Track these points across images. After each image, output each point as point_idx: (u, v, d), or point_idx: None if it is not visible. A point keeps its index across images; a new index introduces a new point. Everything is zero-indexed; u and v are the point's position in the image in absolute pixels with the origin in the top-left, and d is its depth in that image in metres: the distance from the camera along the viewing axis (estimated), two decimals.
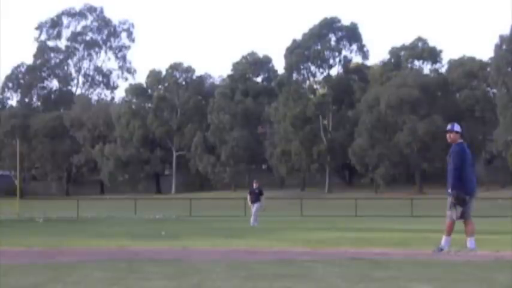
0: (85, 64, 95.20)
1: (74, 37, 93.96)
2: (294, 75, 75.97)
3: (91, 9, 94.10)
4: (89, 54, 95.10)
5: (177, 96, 79.14)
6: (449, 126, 11.33)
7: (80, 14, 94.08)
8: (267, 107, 75.86)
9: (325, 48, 75.03)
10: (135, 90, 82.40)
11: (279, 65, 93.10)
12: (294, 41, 75.52)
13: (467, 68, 71.63)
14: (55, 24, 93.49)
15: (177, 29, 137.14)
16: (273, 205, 46.89)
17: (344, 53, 76.15)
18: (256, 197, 27.02)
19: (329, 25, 75.68)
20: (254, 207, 26.83)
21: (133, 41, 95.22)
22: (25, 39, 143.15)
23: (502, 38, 66.79)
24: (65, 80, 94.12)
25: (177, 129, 79.06)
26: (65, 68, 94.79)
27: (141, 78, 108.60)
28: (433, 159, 67.88)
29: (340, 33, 75.73)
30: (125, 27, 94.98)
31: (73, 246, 13.14)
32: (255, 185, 27.84)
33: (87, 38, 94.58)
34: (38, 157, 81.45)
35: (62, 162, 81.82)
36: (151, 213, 38.87)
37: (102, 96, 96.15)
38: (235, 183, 75.06)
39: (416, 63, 75.95)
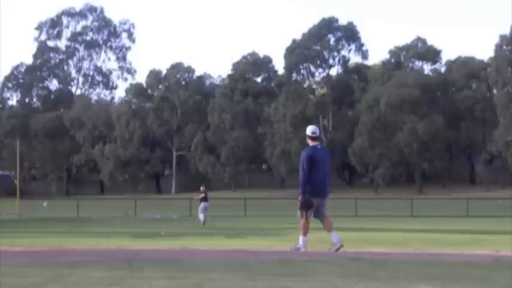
0: (85, 64, 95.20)
1: (74, 37, 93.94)
2: (294, 75, 76.04)
3: (91, 9, 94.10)
4: (89, 55, 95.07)
5: (177, 96, 79.15)
6: None
7: (80, 14, 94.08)
8: (267, 107, 75.84)
9: (325, 48, 75.09)
10: (135, 90, 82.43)
11: (279, 65, 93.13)
12: (294, 41, 75.58)
13: (468, 68, 71.66)
14: (55, 24, 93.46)
15: (177, 29, 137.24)
16: (273, 205, 46.88)
17: (343, 52, 76.29)
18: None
19: (327, 25, 75.76)
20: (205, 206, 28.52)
21: (133, 41, 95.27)
22: (25, 39, 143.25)
23: (502, 37, 66.82)
24: (65, 80, 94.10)
25: (177, 129, 79.07)
26: (65, 68, 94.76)
27: (141, 78, 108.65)
28: (433, 159, 67.95)
29: (338, 33, 75.85)
30: (126, 27, 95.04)
31: (73, 246, 13.13)
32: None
33: (88, 38, 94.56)
34: (38, 157, 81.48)
35: (62, 162, 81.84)
36: (152, 213, 38.85)
37: (102, 96, 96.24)
38: (235, 183, 75.07)
39: (417, 63, 75.99)
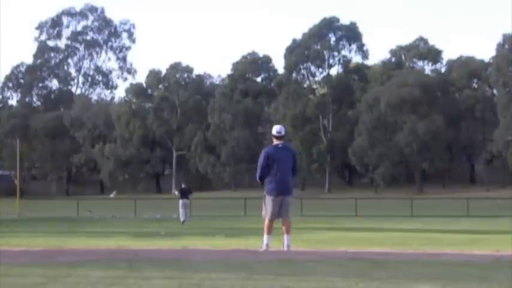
0: (85, 64, 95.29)
1: (74, 37, 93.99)
2: (294, 75, 76.00)
3: (92, 9, 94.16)
4: (90, 54, 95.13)
5: (177, 96, 79.15)
6: None
7: (81, 14, 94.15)
8: (267, 107, 75.80)
9: (325, 48, 75.06)
10: (135, 90, 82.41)
11: (279, 65, 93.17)
12: (294, 40, 75.55)
13: (468, 67, 71.66)
14: (55, 24, 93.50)
15: (177, 29, 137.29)
16: None
17: (343, 52, 76.24)
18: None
19: (328, 25, 75.73)
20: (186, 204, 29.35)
21: (133, 41, 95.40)
22: (25, 39, 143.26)
23: (505, 37, 66.70)
24: (65, 79, 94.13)
25: (177, 129, 79.06)
26: (65, 67, 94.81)
27: (141, 78, 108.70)
28: (433, 159, 67.92)
29: (339, 33, 75.81)
30: (126, 27, 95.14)
31: (73, 246, 13.13)
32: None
33: (88, 38, 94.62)
34: (38, 157, 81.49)
35: (62, 162, 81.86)
36: (152, 213, 38.87)
37: (102, 96, 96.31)
38: (235, 183, 75.06)
39: (417, 63, 76.01)
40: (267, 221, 11.16)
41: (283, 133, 11.34)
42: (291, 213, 11.33)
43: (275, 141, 11.26)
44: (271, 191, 11.07)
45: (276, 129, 11.35)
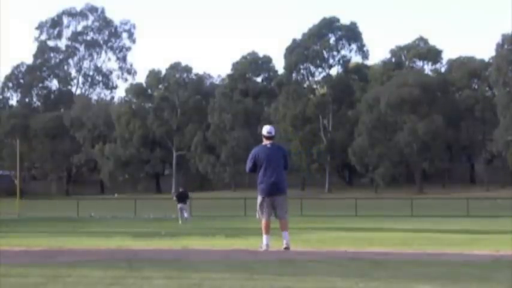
0: (85, 64, 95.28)
1: (75, 37, 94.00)
2: (294, 75, 76.04)
3: (92, 9, 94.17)
4: (90, 55, 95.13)
5: (177, 96, 79.16)
6: None
7: (81, 14, 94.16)
8: (267, 107, 75.81)
9: (325, 48, 75.10)
10: (135, 90, 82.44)
11: (279, 65, 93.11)
12: (294, 40, 75.60)
13: (468, 67, 71.68)
14: (55, 24, 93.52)
15: (177, 29, 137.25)
16: None
17: (343, 52, 76.30)
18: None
19: (328, 25, 75.80)
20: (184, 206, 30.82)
21: (134, 41, 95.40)
22: (25, 39, 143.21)
23: (504, 36, 66.72)
24: (65, 80, 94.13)
25: (177, 129, 79.07)
26: (65, 68, 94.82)
27: (141, 78, 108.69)
28: (433, 159, 67.95)
29: (339, 33, 75.86)
30: (126, 27, 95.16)
31: (73, 246, 13.13)
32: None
33: (88, 38, 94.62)
34: (38, 157, 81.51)
35: (62, 162, 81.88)
36: (151, 213, 38.88)
37: (102, 96, 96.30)
38: (235, 183, 75.06)
39: (417, 62, 76.02)
40: (263, 221, 11.18)
41: (273, 133, 11.31)
42: (286, 212, 11.31)
43: (264, 141, 11.23)
44: (261, 192, 11.12)
45: (266, 129, 11.29)
